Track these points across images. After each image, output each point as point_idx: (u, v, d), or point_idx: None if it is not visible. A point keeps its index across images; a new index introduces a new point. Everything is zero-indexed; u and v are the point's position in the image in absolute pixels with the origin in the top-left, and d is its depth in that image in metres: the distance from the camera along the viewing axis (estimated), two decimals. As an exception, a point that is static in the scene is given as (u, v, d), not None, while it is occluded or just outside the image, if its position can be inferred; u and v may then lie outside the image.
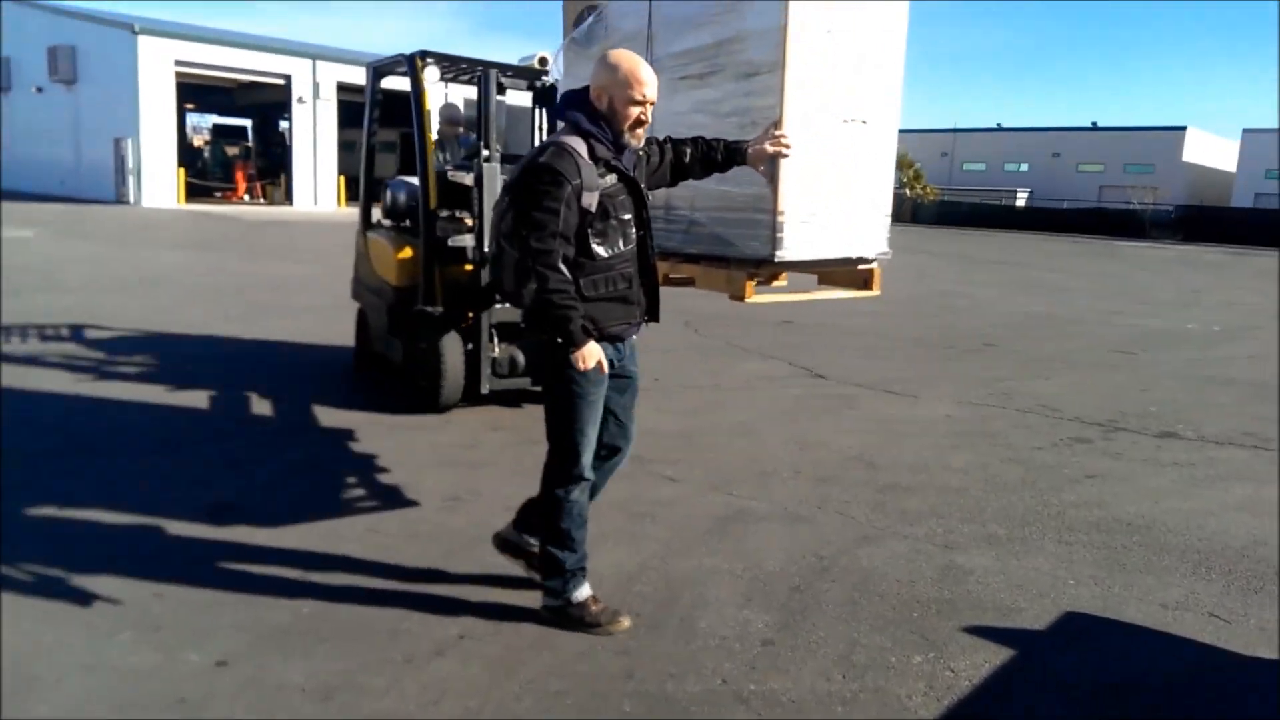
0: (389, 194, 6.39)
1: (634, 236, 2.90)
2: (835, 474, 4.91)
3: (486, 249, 5.38)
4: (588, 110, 2.84)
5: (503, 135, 5.54)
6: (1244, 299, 15.60)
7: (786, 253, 3.11)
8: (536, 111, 6.13)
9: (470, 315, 5.59)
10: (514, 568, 3.36)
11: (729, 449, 5.29)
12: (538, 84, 5.96)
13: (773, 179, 3.05)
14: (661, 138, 3.15)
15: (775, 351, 8.62)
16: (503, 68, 5.70)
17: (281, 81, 31.39)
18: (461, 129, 6.61)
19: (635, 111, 2.81)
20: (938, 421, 6.24)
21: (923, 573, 3.63)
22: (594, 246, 2.80)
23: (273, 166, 34.57)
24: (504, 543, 3.37)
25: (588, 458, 2.96)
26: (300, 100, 31.66)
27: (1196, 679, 2.91)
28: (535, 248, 2.69)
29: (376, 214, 6.70)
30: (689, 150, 3.10)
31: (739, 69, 3.18)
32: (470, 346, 5.55)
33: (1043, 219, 44.21)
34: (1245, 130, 52.25)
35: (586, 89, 2.89)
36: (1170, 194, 46.48)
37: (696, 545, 3.82)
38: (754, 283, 3.21)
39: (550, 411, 2.98)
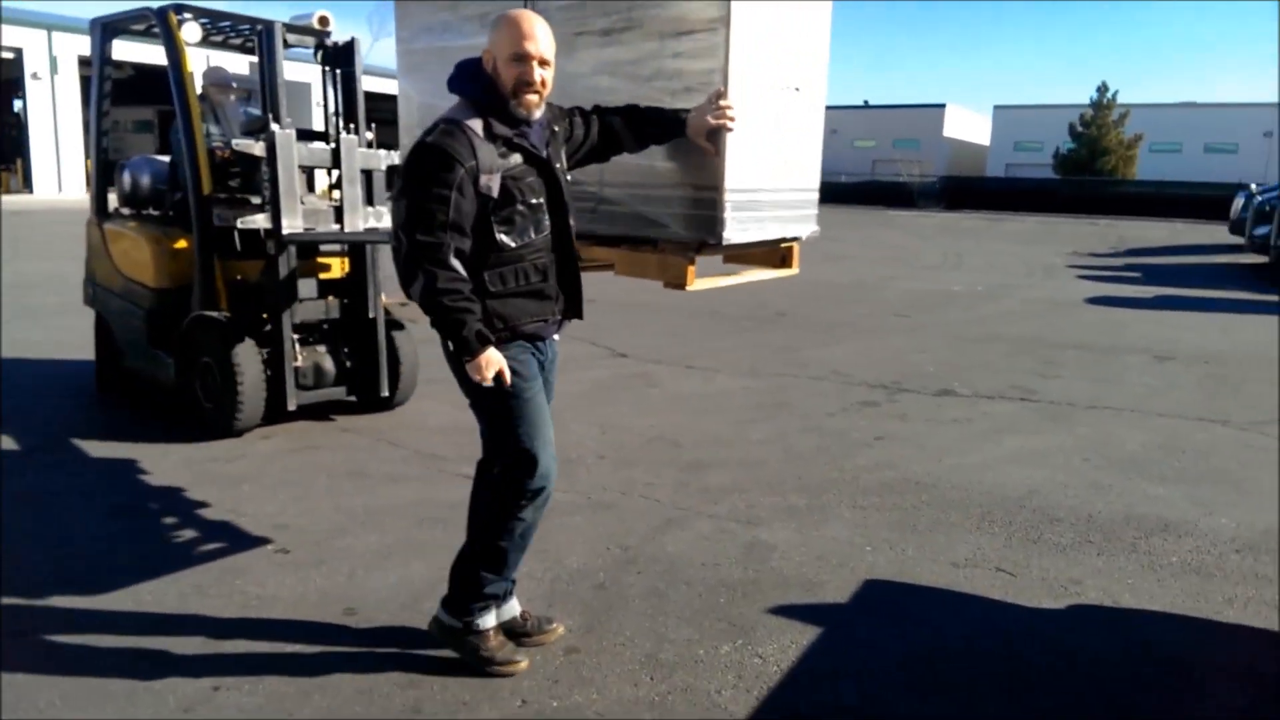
0: (127, 176, 5.55)
1: (547, 224, 2.54)
2: (639, 456, 4.78)
3: (287, 230, 4.63)
4: (479, 80, 2.47)
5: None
6: (1000, 261, 17.06)
7: (731, 235, 2.73)
8: (329, 78, 5.23)
9: (265, 318, 4.88)
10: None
11: (528, 439, 5.02)
12: (327, 44, 5.15)
13: (716, 153, 2.65)
14: (588, 107, 2.76)
15: (577, 331, 8.39)
16: (285, 26, 4.91)
17: (10, 55, 27.70)
18: (234, 95, 5.68)
19: (517, 71, 2.42)
20: (736, 394, 6.27)
21: (727, 553, 3.54)
22: (499, 235, 2.44)
23: (7, 151, 30.56)
24: (443, 629, 2.74)
25: (546, 462, 2.55)
26: (35, 76, 28.09)
27: (990, 637, 2.96)
28: (421, 241, 2.33)
29: (114, 200, 5.83)
30: (618, 120, 2.71)
31: (664, 25, 2.72)
32: (268, 355, 4.81)
33: (825, 192, 46.37)
34: (995, 106, 57.48)
35: (476, 60, 2.51)
36: (934, 166, 50.36)
37: (493, 548, 3.54)
38: (694, 267, 2.83)
39: (486, 423, 2.61)
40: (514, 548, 2.62)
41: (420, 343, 5.17)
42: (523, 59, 2.41)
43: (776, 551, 3.57)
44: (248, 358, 4.72)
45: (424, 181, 2.34)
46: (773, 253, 3.18)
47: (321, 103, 5.24)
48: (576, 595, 3.16)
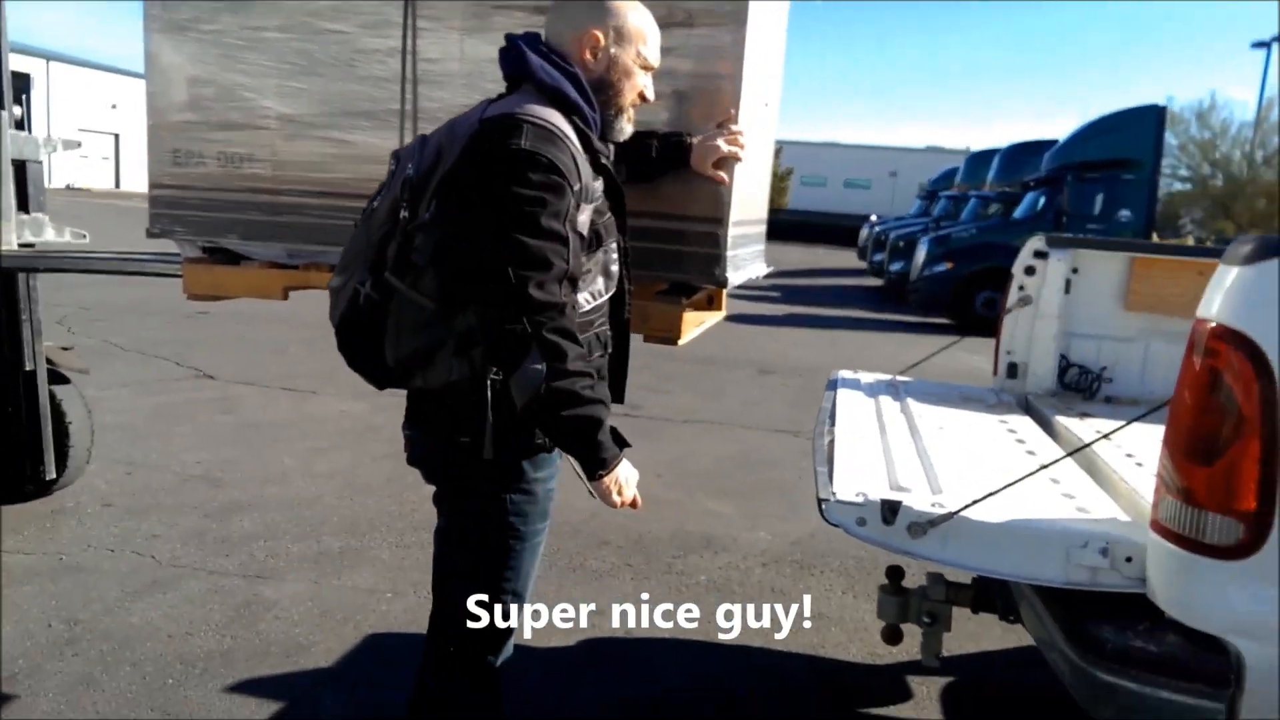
0: None
1: (616, 274, 1.80)
2: (160, 501, 4.06)
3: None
4: (570, 73, 1.69)
5: None
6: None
7: (733, 277, 2.15)
8: None
9: None
10: None
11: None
12: None
13: (725, 182, 2.05)
14: None
15: (163, 350, 7.36)
16: None
17: None
18: None
19: (642, 83, 1.79)
20: (328, 419, 5.69)
21: (210, 619, 2.99)
22: (577, 293, 1.69)
23: None
24: None
25: (509, 643, 1.85)
26: None
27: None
28: (537, 300, 1.52)
29: None
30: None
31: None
32: None
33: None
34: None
35: (537, 37, 1.73)
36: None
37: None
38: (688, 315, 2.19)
39: (465, 563, 1.81)
40: None
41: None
42: (650, 70, 1.80)
43: (273, 611, 3.08)
44: None
45: (533, 206, 1.54)
46: (702, 295, 2.47)
47: None
48: (-34, 696, 2.47)
